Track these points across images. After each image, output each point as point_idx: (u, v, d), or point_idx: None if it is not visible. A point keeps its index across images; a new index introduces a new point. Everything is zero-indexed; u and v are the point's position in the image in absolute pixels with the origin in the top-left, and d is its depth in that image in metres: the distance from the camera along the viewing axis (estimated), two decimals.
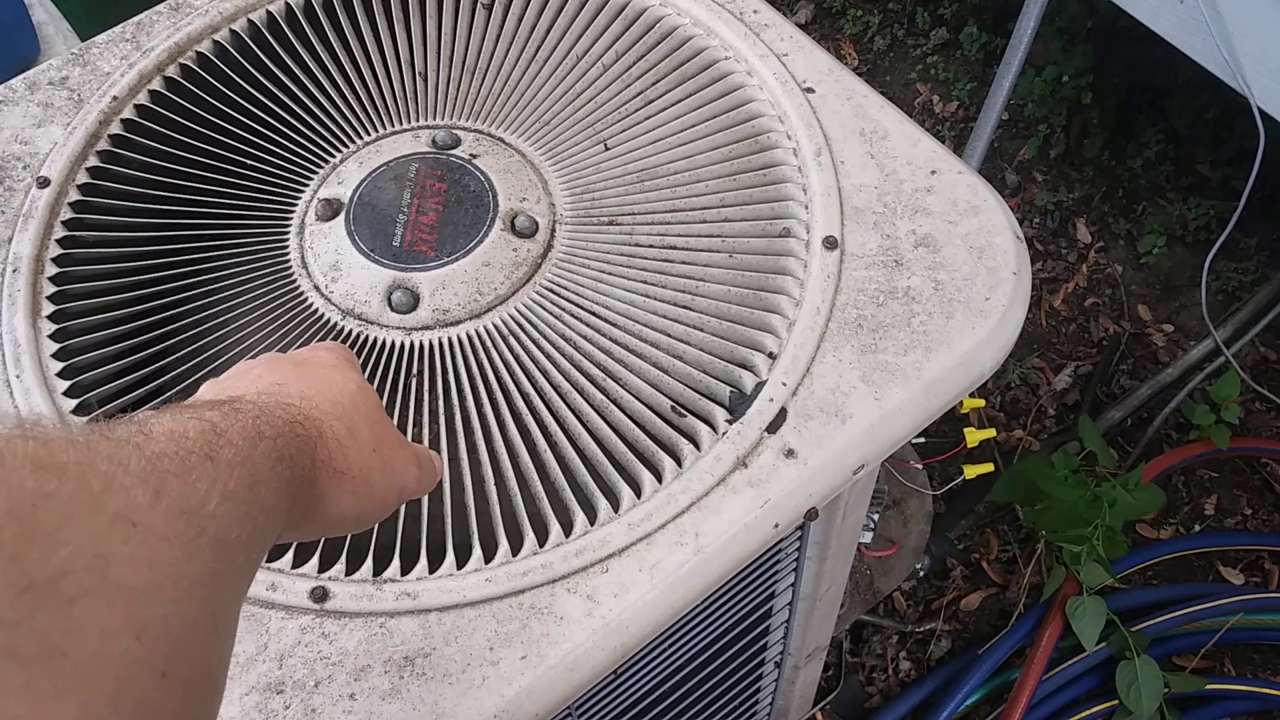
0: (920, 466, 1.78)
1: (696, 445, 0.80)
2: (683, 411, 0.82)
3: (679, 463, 0.79)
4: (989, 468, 1.75)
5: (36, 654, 0.31)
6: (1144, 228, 2.33)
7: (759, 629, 1.02)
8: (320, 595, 0.74)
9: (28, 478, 0.34)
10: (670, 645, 0.90)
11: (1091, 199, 2.41)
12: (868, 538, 1.67)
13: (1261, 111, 1.57)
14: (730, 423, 0.80)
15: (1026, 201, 2.44)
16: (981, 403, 2.05)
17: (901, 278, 0.87)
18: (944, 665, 1.85)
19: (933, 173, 0.92)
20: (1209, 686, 1.75)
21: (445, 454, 0.80)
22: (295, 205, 0.94)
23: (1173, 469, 2.00)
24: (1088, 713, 1.75)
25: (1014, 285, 0.86)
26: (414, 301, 0.86)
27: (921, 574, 1.91)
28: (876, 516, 1.67)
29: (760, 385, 0.82)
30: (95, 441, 0.38)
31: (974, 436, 1.74)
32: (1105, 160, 2.41)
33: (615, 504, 0.78)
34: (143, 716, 0.34)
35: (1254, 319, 2.11)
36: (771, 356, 0.83)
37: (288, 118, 0.99)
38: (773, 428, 0.80)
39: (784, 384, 0.82)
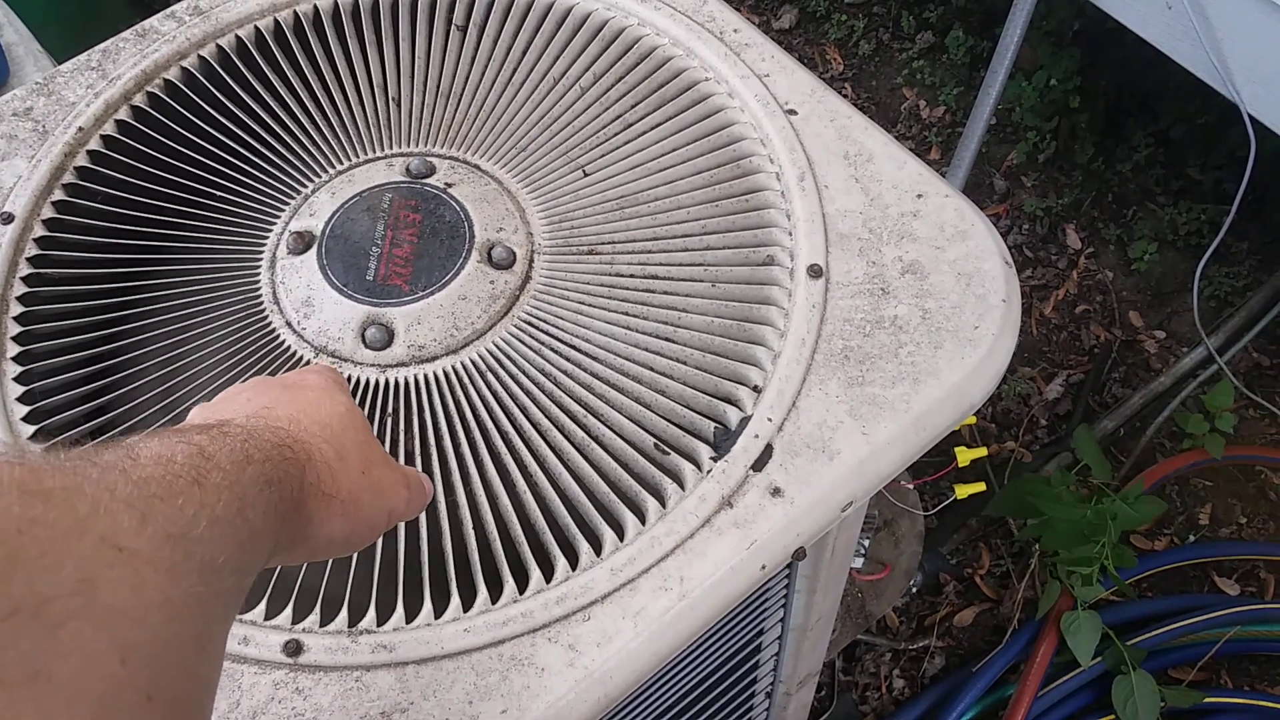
0: (911, 486, 1.76)
1: (680, 484, 0.77)
2: (666, 449, 0.79)
3: (663, 502, 0.77)
4: (980, 487, 1.74)
5: (21, 678, 0.31)
6: (1134, 233, 2.32)
7: (748, 664, 1.00)
8: (294, 649, 0.71)
9: (14, 503, 0.34)
10: (656, 689, 0.88)
11: (1081, 204, 2.39)
12: (859, 562, 1.65)
13: (1252, 118, 1.55)
14: (715, 460, 0.78)
15: (1015, 208, 2.42)
16: (973, 419, 2.03)
17: (888, 306, 0.84)
18: (938, 683, 1.83)
19: (919, 196, 0.90)
20: (1206, 700, 1.73)
21: None
22: (266, 238, 0.91)
23: (1167, 478, 1.98)
24: None
25: (1003, 313, 0.84)
26: (389, 338, 0.84)
27: (914, 590, 1.89)
28: (868, 542, 1.65)
29: (745, 420, 0.79)
30: (82, 468, 0.38)
31: (965, 456, 1.72)
32: (1095, 165, 2.40)
33: (597, 547, 0.75)
34: None
35: (1247, 325, 2.09)
36: (756, 390, 0.81)
37: (258, 147, 0.97)
38: (758, 465, 0.78)
39: (769, 419, 0.79)
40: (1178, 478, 2.03)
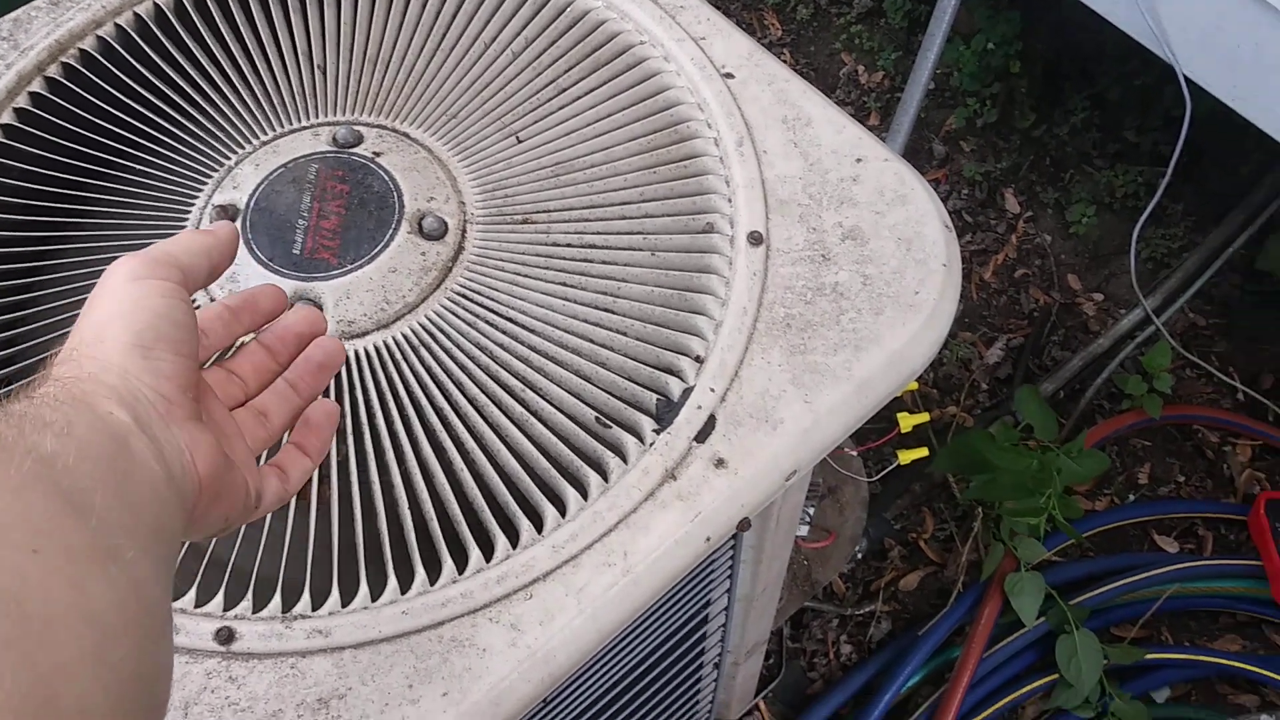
0: (855, 453, 1.77)
1: (623, 458, 0.76)
2: (607, 422, 0.78)
3: (605, 477, 0.75)
4: (923, 452, 1.74)
5: None
6: (1072, 196, 2.33)
7: (695, 636, 0.99)
8: (226, 636, 0.69)
9: None
10: (602, 666, 0.86)
11: (1019, 168, 2.40)
12: (804, 530, 1.65)
13: (1188, 79, 1.56)
14: (657, 432, 0.77)
15: (954, 173, 2.43)
16: (915, 385, 2.03)
17: (829, 273, 0.83)
18: (885, 647, 1.84)
19: (858, 161, 0.89)
20: (1148, 656, 1.75)
21: (354, 477, 0.75)
22: (189, 213, 0.88)
23: (1106, 439, 2.00)
24: (1029, 688, 1.75)
25: (944, 277, 0.83)
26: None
27: (859, 556, 1.89)
28: (812, 509, 1.65)
29: (687, 391, 0.78)
30: None
31: (907, 421, 1.72)
32: (1032, 129, 2.40)
33: (538, 524, 0.74)
34: None
35: (1183, 286, 2.12)
36: (698, 360, 0.79)
37: (179, 119, 0.93)
38: (701, 436, 0.76)
39: (712, 389, 0.78)
40: (1117, 438, 2.05)
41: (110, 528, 0.42)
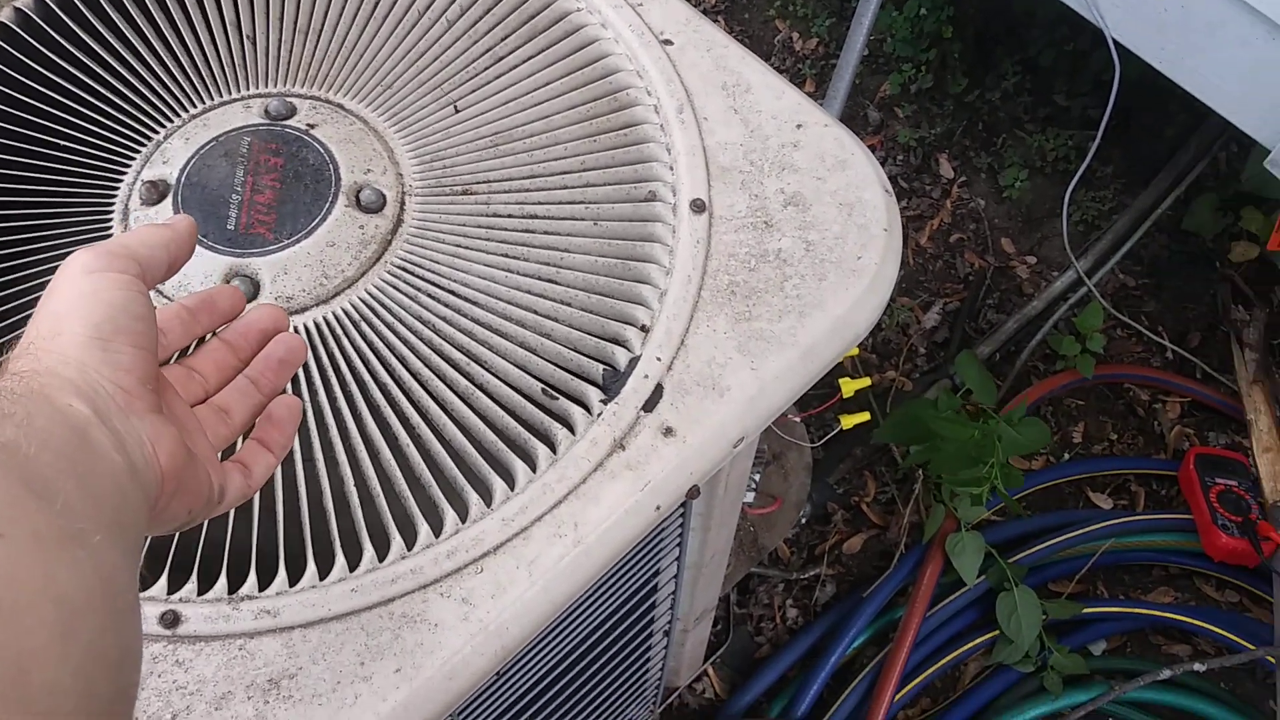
0: (798, 419, 1.78)
1: (571, 429, 0.75)
2: (554, 393, 0.77)
3: (553, 449, 0.75)
4: (865, 417, 1.76)
5: None
6: (1005, 161, 2.36)
7: (646, 604, 0.99)
8: (171, 620, 0.68)
9: None
10: (554, 638, 0.86)
11: (953, 134, 2.42)
12: (750, 497, 1.66)
13: (1117, 43, 1.58)
14: (605, 403, 0.76)
15: (889, 139, 2.44)
16: (855, 350, 2.05)
17: (772, 240, 0.83)
18: (830, 610, 1.87)
19: (798, 126, 0.89)
20: (1085, 610, 1.79)
21: (298, 455, 0.74)
22: (117, 189, 0.86)
23: (1042, 399, 2.04)
24: (971, 645, 1.78)
25: (885, 241, 0.84)
26: (254, 290, 0.79)
27: (804, 521, 1.91)
28: (758, 476, 1.66)
29: (634, 361, 0.78)
30: None
31: (849, 386, 1.74)
32: (965, 94, 2.42)
33: (487, 498, 0.73)
34: None
35: (1113, 248, 2.15)
36: (644, 330, 0.79)
37: (103, 92, 0.90)
38: (649, 405, 0.76)
39: (658, 358, 0.78)
40: (1052, 398, 2.09)
41: (75, 514, 0.41)
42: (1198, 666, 1.66)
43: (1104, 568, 1.89)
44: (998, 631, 1.75)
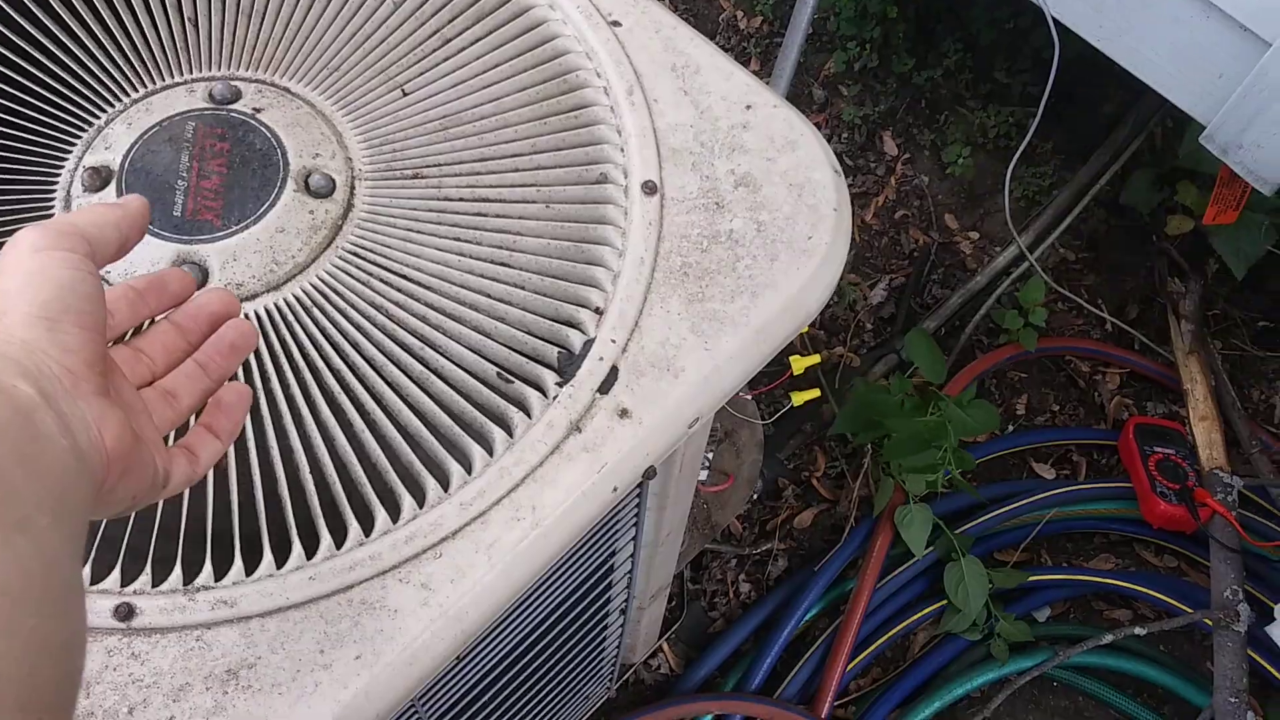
0: (749, 397, 1.79)
1: (527, 412, 0.76)
2: (509, 377, 0.77)
3: (510, 432, 0.75)
4: (815, 393, 1.78)
5: None
6: (947, 138, 2.38)
7: (603, 584, 1.00)
8: (126, 613, 0.67)
9: None
10: (511, 621, 0.87)
11: (896, 111, 2.44)
12: (704, 475, 1.67)
13: (1056, 21, 1.60)
14: (560, 385, 0.77)
15: (834, 117, 2.46)
16: (805, 327, 2.07)
17: (724, 221, 0.84)
18: (782, 584, 1.89)
19: (748, 108, 0.89)
20: (1030, 579, 1.83)
21: (252, 443, 0.74)
22: (58, 176, 0.84)
23: (985, 373, 2.07)
24: (920, 614, 1.82)
25: (835, 221, 0.85)
26: (203, 277, 0.79)
27: (755, 497, 1.93)
28: (711, 454, 1.67)
29: (589, 343, 0.78)
30: None
31: (800, 364, 1.75)
32: (909, 73, 2.44)
33: (445, 483, 0.73)
34: None
35: (1054, 223, 2.18)
36: (598, 312, 0.79)
37: (41, 76, 0.88)
38: (605, 388, 0.77)
39: (613, 340, 0.78)
40: (995, 371, 2.12)
41: (20, 499, 0.40)
42: (1138, 630, 1.71)
43: (1047, 537, 1.93)
44: (946, 601, 1.79)
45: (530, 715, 1.15)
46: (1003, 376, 2.15)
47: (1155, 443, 1.90)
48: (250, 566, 0.69)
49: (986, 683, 1.78)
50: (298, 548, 0.70)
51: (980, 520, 1.86)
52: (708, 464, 1.68)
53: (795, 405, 1.80)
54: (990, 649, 1.79)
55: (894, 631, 1.81)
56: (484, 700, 0.97)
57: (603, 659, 1.27)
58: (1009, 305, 2.13)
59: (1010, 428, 2.10)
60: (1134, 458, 1.89)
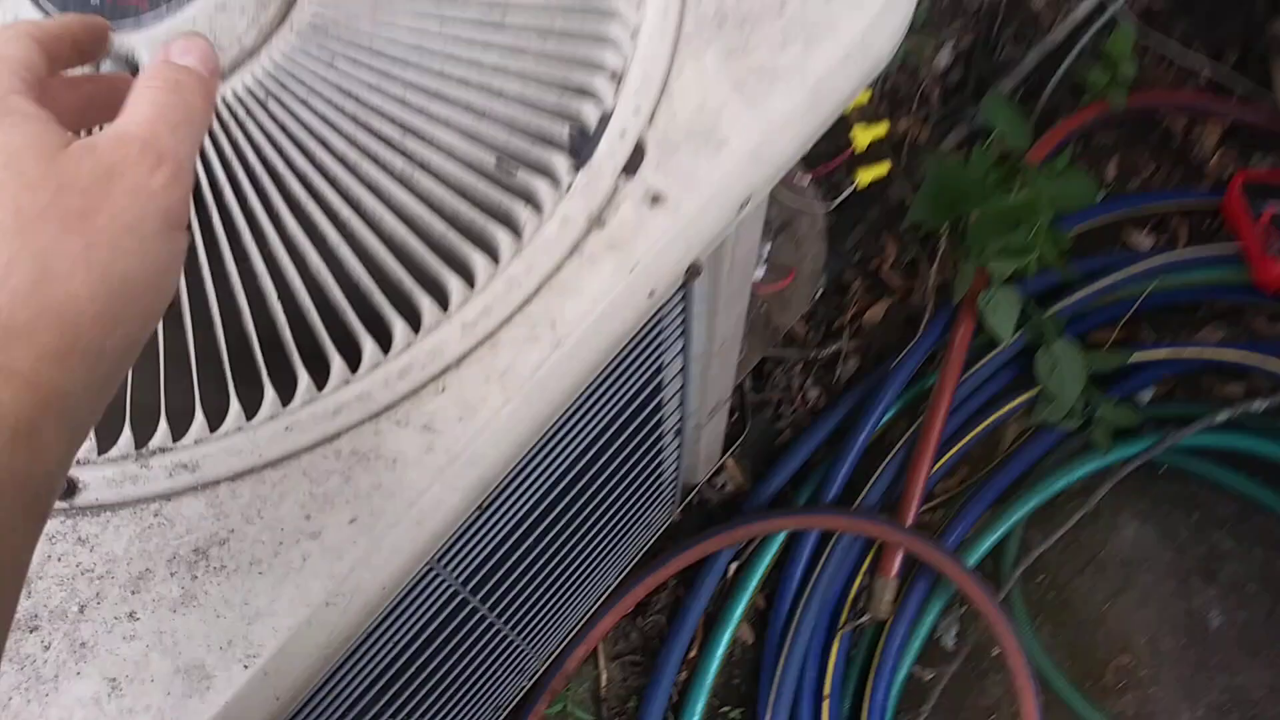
0: (807, 179, 1.61)
1: (536, 207, 0.61)
2: (512, 166, 0.63)
3: (517, 233, 0.61)
4: (884, 169, 1.59)
5: None
6: None
7: (650, 405, 0.87)
8: (68, 488, 0.56)
9: None
10: (540, 457, 0.74)
11: None
12: (760, 272, 1.51)
13: None
14: (575, 170, 0.62)
15: None
16: (864, 98, 1.87)
17: None
18: (854, 386, 1.76)
19: None
20: (1131, 359, 1.68)
21: (207, 271, 0.60)
22: None
23: (1071, 136, 1.87)
24: (1009, 406, 1.68)
25: None
26: (131, 72, 0.64)
27: (819, 293, 1.78)
28: (768, 247, 1.52)
29: (606, 116, 0.63)
30: None
31: (863, 137, 1.56)
32: None
33: (443, 301, 0.60)
34: None
35: None
36: (615, 76, 0.64)
37: None
38: (630, 169, 0.62)
39: (636, 110, 0.63)
40: (1081, 135, 1.92)
41: None
42: (1255, 405, 1.56)
43: (1147, 312, 1.76)
44: (1037, 390, 1.65)
45: (585, 550, 1.04)
46: (1089, 140, 1.94)
47: (1267, 198, 1.70)
48: (214, 421, 0.57)
49: (1087, 474, 1.65)
50: (270, 392, 0.58)
51: (1073, 300, 1.69)
52: (764, 259, 1.52)
53: (860, 187, 1.62)
54: (1090, 437, 1.66)
55: (981, 427, 1.67)
56: (523, 548, 0.86)
57: (661, 484, 1.16)
58: (1092, 60, 1.91)
59: (1101, 195, 1.91)
60: (1242, 217, 1.70)
